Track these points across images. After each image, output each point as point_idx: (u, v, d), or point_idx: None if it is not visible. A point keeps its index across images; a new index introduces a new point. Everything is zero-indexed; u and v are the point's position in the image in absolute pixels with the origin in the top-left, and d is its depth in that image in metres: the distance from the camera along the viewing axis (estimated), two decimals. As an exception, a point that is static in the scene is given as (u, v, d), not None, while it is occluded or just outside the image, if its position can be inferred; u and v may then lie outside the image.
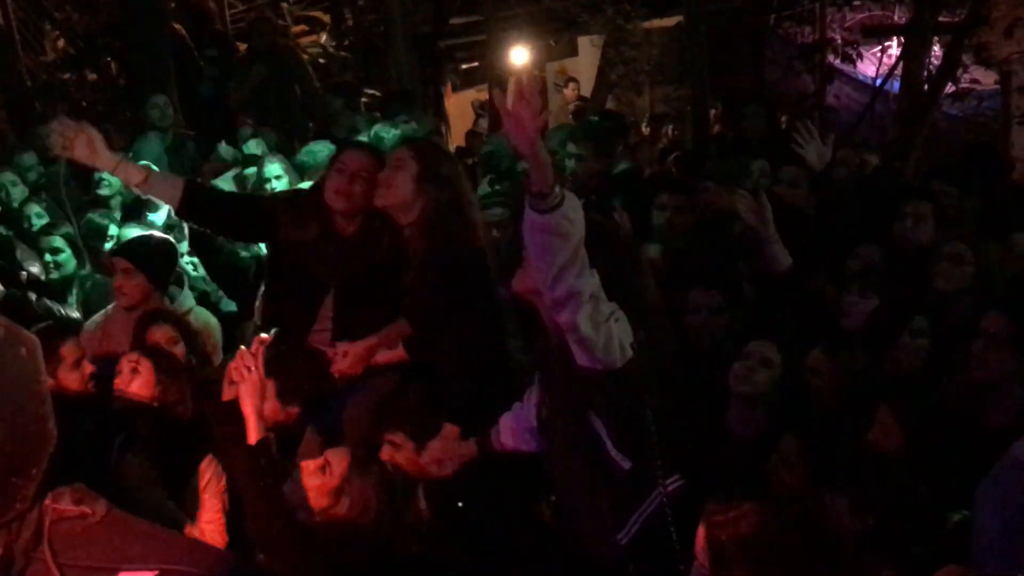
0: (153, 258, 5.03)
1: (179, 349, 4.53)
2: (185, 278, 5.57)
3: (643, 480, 3.24)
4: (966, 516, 3.31)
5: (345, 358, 4.17)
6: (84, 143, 4.10)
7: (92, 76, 10.65)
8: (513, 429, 3.81)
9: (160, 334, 4.54)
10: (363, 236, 4.25)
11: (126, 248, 5.19)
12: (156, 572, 2.82)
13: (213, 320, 5.43)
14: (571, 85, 14.30)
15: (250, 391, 3.49)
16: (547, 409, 3.52)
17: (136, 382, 4.07)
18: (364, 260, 4.24)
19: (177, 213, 4.44)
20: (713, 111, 10.17)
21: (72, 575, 2.81)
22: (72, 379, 4.10)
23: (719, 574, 2.69)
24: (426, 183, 4.08)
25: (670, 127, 10.96)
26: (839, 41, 13.27)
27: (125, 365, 4.11)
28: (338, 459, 3.40)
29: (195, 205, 4.33)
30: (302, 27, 12.86)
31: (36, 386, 1.62)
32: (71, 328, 4.58)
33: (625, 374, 3.15)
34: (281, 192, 6.15)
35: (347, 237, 4.27)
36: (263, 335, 3.68)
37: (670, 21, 12.59)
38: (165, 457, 3.95)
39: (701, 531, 2.73)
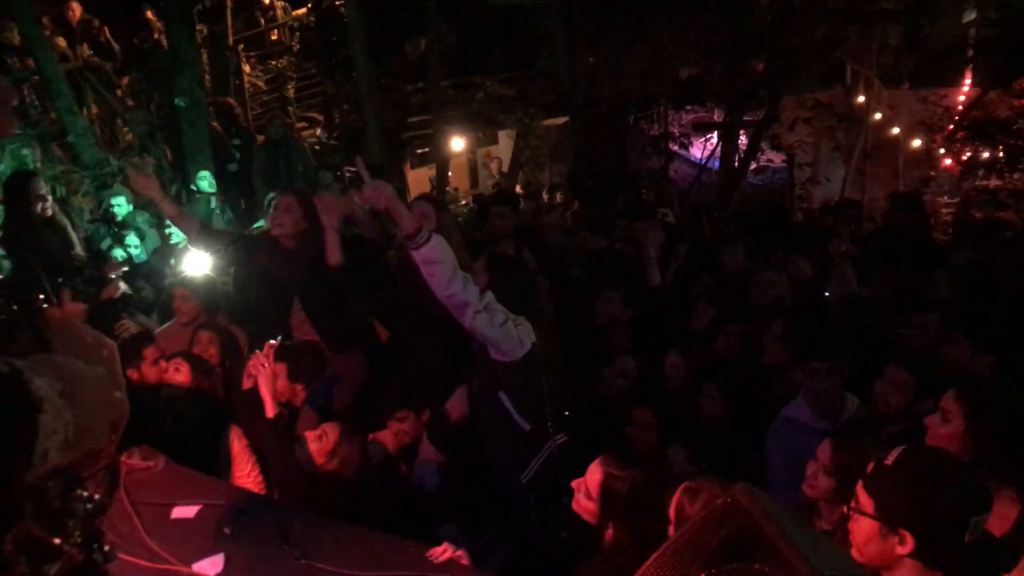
0: (201, 288, 5.03)
1: (214, 350, 4.48)
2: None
3: (539, 438, 3.28)
4: (759, 454, 3.43)
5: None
6: (152, 187, 4.45)
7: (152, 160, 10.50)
8: (461, 404, 3.80)
9: (205, 337, 4.52)
10: (300, 246, 4.35)
11: (183, 281, 5.11)
12: (201, 505, 2.80)
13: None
14: (495, 161, 14.41)
15: (265, 381, 3.53)
16: (475, 387, 3.55)
17: (178, 378, 4.07)
18: (304, 260, 4.32)
19: (190, 241, 4.61)
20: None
21: (140, 510, 2.79)
22: (151, 372, 4.13)
23: (605, 512, 2.70)
24: (305, 221, 4.31)
25: (559, 193, 11.08)
26: (677, 133, 13.54)
27: (171, 365, 4.12)
28: (332, 429, 3.41)
29: (202, 237, 4.56)
30: (303, 124, 12.85)
31: (116, 377, 1.61)
32: (150, 336, 4.51)
33: (526, 362, 3.20)
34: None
35: (291, 249, 4.38)
36: (271, 341, 3.70)
37: (562, 120, 12.77)
38: (200, 429, 3.92)
39: (597, 476, 2.70)
